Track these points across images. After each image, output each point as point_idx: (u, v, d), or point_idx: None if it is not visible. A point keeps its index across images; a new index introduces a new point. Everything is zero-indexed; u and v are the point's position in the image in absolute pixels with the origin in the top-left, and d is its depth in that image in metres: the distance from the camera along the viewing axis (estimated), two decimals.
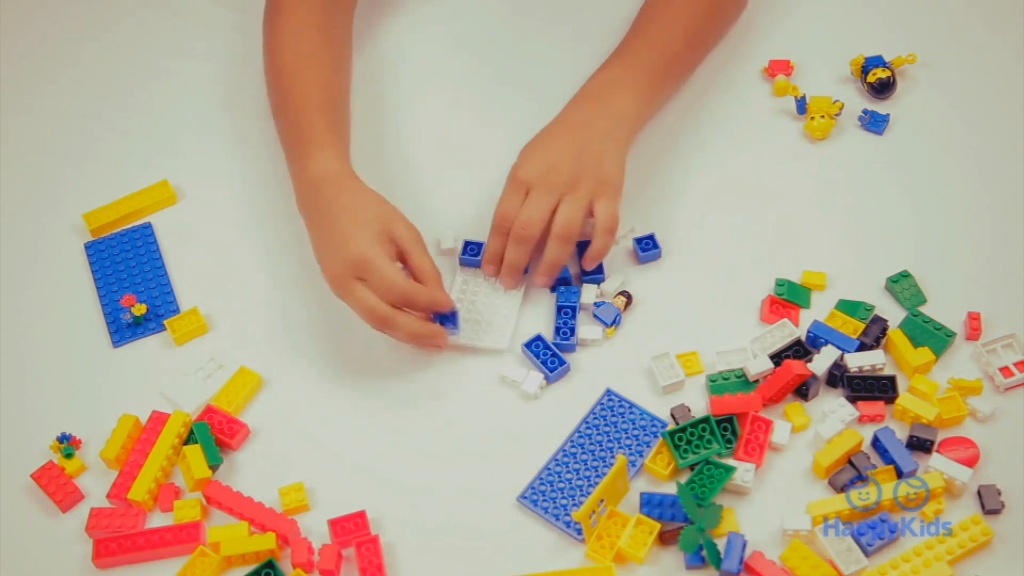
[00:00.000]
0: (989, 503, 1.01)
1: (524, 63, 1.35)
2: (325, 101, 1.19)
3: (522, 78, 1.34)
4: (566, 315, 1.14)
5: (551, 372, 1.10)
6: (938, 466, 1.02)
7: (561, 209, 1.12)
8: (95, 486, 1.08)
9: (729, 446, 1.06)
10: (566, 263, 1.15)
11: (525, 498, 1.05)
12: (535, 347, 1.12)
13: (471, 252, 1.18)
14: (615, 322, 1.14)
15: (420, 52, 1.37)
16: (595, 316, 1.14)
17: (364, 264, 1.08)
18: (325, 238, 1.11)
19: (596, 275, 1.16)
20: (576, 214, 1.12)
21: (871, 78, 1.28)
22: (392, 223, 1.11)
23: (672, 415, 1.08)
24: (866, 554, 0.99)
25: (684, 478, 1.05)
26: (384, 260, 1.08)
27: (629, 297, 1.15)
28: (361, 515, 1.04)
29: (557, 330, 1.13)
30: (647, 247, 1.18)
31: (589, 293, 1.15)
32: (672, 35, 1.23)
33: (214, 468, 1.07)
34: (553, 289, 1.16)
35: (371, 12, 1.38)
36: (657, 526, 1.01)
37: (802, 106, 1.27)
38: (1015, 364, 1.09)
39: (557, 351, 1.11)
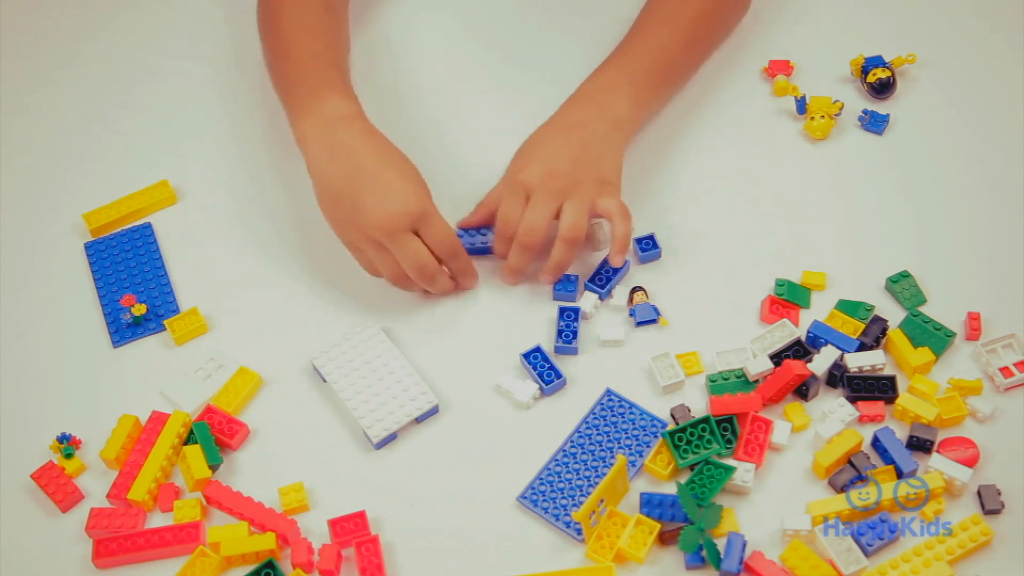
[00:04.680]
0: (989, 503, 1.02)
1: (522, 51, 1.36)
2: (334, 58, 1.20)
3: (517, 68, 1.35)
4: (568, 318, 1.14)
5: (547, 385, 1.10)
6: (938, 466, 1.03)
7: (566, 212, 1.12)
8: (95, 486, 1.08)
9: (729, 446, 1.06)
10: (571, 264, 1.15)
11: (525, 498, 1.05)
12: (533, 359, 1.12)
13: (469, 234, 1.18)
14: (658, 313, 1.14)
15: (418, 38, 1.38)
16: (640, 323, 1.14)
17: (425, 216, 1.09)
18: (369, 183, 1.09)
19: (599, 288, 1.16)
20: (582, 216, 1.12)
21: (871, 78, 1.28)
22: (423, 179, 1.12)
23: (672, 415, 1.08)
24: (866, 554, 0.99)
25: (684, 478, 1.05)
26: (439, 214, 1.10)
27: (643, 289, 1.15)
28: (361, 515, 1.04)
29: (560, 332, 1.13)
30: (647, 247, 1.18)
31: (588, 302, 1.15)
32: (671, 38, 1.23)
33: (214, 468, 1.07)
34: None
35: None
36: (657, 526, 1.01)
37: (802, 106, 1.27)
38: (1015, 364, 1.09)
39: (555, 364, 1.11)
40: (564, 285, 1.15)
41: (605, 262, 1.17)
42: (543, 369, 1.11)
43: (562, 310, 1.14)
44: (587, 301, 1.15)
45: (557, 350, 1.13)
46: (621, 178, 1.16)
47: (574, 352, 1.13)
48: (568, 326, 1.13)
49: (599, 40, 1.33)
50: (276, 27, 1.23)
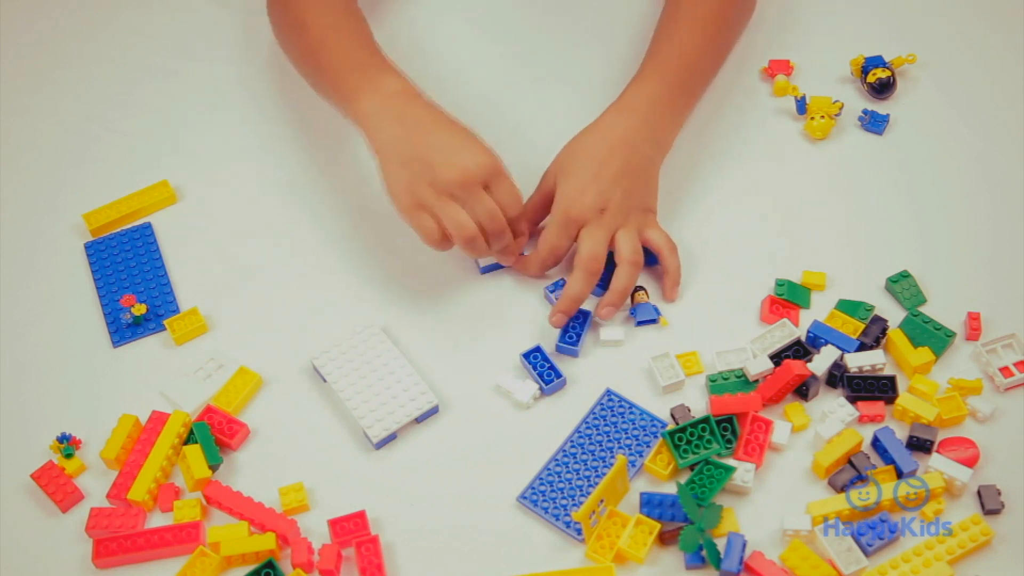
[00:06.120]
0: (989, 503, 1.02)
1: (531, 52, 1.36)
2: (373, 46, 1.21)
3: (529, 68, 1.35)
4: (575, 319, 1.14)
5: (547, 385, 1.10)
6: (938, 466, 1.03)
7: (623, 240, 1.14)
8: (95, 486, 1.08)
9: (729, 446, 1.06)
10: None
11: (525, 498, 1.05)
12: (532, 359, 1.12)
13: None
14: (658, 312, 1.14)
15: (430, 39, 1.38)
16: (640, 322, 1.14)
17: (497, 171, 1.11)
18: (440, 143, 1.10)
19: (599, 288, 1.16)
20: (637, 242, 1.14)
21: (871, 78, 1.28)
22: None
23: (672, 415, 1.08)
24: (866, 554, 0.99)
25: (684, 478, 1.05)
26: (508, 172, 1.12)
27: (644, 289, 1.15)
28: (361, 515, 1.04)
29: (564, 331, 1.13)
30: (647, 249, 1.18)
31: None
32: (701, 44, 1.23)
33: (214, 468, 1.07)
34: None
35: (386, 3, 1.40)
36: (657, 526, 1.01)
37: (802, 106, 1.27)
38: (1015, 364, 1.09)
39: (555, 364, 1.11)
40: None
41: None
42: (543, 369, 1.11)
43: None
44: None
45: (559, 349, 1.13)
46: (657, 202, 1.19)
47: (575, 354, 1.13)
48: (573, 327, 1.13)
49: (608, 39, 1.34)
50: (302, 26, 1.23)
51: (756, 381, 1.10)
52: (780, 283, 1.15)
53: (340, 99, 1.18)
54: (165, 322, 1.16)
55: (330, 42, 1.21)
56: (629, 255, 1.13)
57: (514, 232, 1.14)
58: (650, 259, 1.17)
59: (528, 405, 1.10)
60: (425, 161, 1.10)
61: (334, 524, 1.04)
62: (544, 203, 1.18)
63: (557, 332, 1.13)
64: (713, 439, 1.05)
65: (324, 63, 1.20)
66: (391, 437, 1.09)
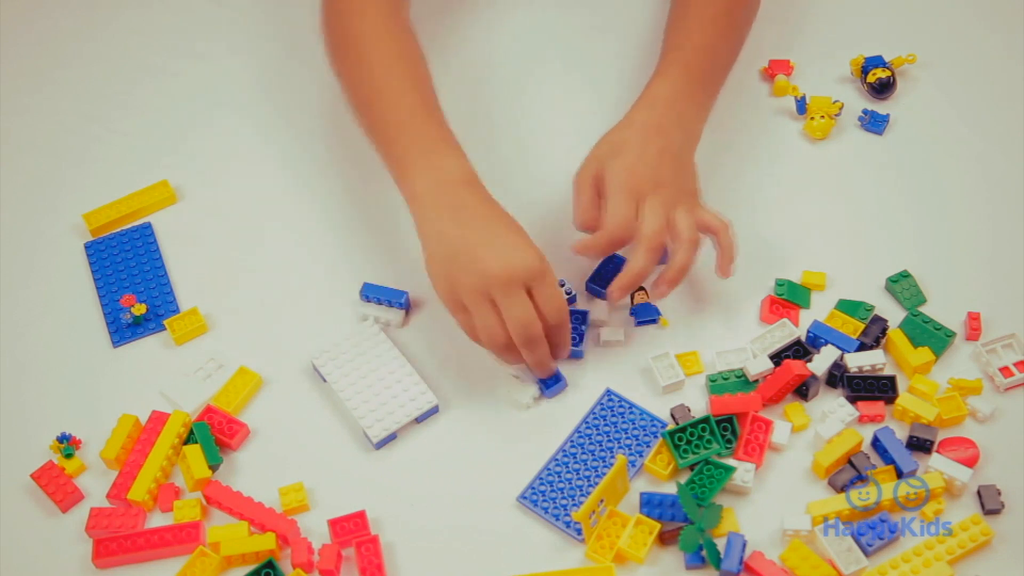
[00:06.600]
0: (989, 503, 1.02)
1: (545, 51, 1.36)
2: (434, 106, 1.15)
3: (541, 68, 1.35)
4: (576, 320, 1.14)
5: (547, 388, 1.10)
6: (938, 466, 1.03)
7: (681, 219, 1.10)
8: (95, 486, 1.08)
9: (729, 446, 1.06)
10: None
11: (525, 498, 1.05)
12: None
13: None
14: (658, 312, 1.14)
15: (446, 39, 1.37)
16: (640, 322, 1.14)
17: (541, 274, 1.04)
18: (488, 238, 1.05)
19: (600, 288, 1.15)
20: (694, 222, 1.11)
21: (871, 78, 1.28)
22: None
23: (672, 415, 1.08)
24: (866, 554, 0.99)
25: (684, 478, 1.05)
26: (555, 278, 1.06)
27: (644, 289, 1.15)
28: (361, 515, 1.04)
29: None
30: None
31: (599, 310, 1.15)
32: (717, 44, 1.22)
33: (214, 468, 1.07)
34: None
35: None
36: (657, 526, 1.01)
37: (802, 106, 1.27)
38: (1015, 364, 1.09)
39: (556, 368, 1.11)
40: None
41: (604, 262, 1.17)
42: None
43: (571, 312, 1.14)
44: (598, 309, 1.15)
45: None
46: None
47: (578, 356, 1.13)
48: (575, 328, 1.13)
49: (617, 39, 1.34)
50: (366, 67, 1.17)
51: (756, 381, 1.10)
52: (780, 283, 1.15)
53: (392, 166, 1.13)
54: (165, 322, 1.16)
55: (391, 95, 1.14)
56: (688, 234, 1.10)
57: (552, 344, 1.08)
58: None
59: (528, 405, 1.10)
60: (470, 256, 1.05)
61: (334, 524, 1.04)
62: (596, 199, 1.13)
63: None
64: (713, 439, 1.05)
65: (381, 118, 1.15)
66: (391, 437, 1.09)
